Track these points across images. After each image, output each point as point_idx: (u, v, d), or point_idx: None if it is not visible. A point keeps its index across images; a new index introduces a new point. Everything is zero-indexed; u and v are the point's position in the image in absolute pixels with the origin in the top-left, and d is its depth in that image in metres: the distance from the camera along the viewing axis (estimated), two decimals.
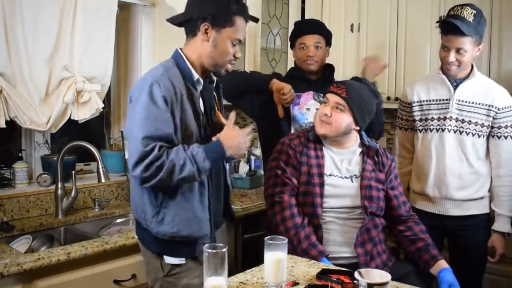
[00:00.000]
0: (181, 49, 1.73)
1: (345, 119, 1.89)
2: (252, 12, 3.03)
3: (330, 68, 2.54)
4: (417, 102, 2.29)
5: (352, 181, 1.94)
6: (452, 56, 2.10)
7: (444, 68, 2.19)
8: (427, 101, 2.26)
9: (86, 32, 2.32)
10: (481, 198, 2.22)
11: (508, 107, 2.16)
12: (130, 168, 1.59)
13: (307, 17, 3.46)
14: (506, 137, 2.16)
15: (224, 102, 1.96)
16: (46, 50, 2.21)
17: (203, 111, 1.70)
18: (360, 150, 1.99)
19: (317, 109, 2.25)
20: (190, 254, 1.70)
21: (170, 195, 1.65)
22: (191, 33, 1.69)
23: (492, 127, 2.17)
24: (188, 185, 1.65)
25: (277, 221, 1.89)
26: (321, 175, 1.91)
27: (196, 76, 1.69)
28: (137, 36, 2.80)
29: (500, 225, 2.19)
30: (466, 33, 2.03)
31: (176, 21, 1.72)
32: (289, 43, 2.61)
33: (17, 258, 1.73)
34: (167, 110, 1.58)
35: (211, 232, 1.71)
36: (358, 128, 1.94)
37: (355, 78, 2.04)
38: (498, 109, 2.15)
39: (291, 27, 3.41)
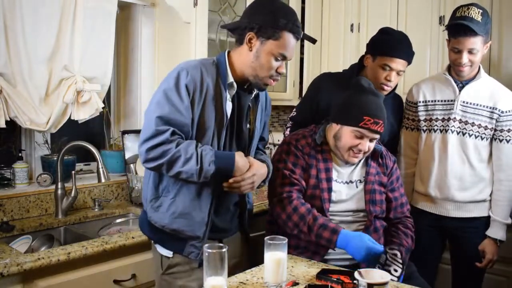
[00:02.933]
0: (229, 51, 1.73)
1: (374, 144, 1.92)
2: None
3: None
4: (423, 102, 2.28)
5: (356, 186, 1.93)
6: (465, 58, 2.08)
7: (456, 70, 2.16)
8: (432, 101, 2.26)
9: (86, 32, 2.32)
10: (483, 200, 2.20)
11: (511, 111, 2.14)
12: (139, 144, 1.60)
13: (307, 17, 3.44)
14: (508, 141, 2.14)
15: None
16: (46, 50, 2.21)
17: (228, 115, 1.68)
18: None
19: None
20: (178, 250, 1.70)
21: (173, 186, 1.66)
22: (238, 40, 1.69)
23: (495, 130, 2.16)
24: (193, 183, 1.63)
25: (288, 213, 1.83)
26: (329, 179, 1.89)
27: (230, 79, 1.68)
28: (137, 36, 2.81)
29: (493, 231, 2.17)
30: (478, 32, 2.02)
31: (227, 27, 1.74)
32: (365, 45, 2.32)
33: (17, 258, 1.73)
34: (187, 99, 1.59)
35: (204, 235, 1.68)
36: None
37: (358, 82, 1.92)
38: (502, 111, 2.13)
39: None
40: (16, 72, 2.13)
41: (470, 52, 2.07)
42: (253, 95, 1.78)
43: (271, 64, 1.65)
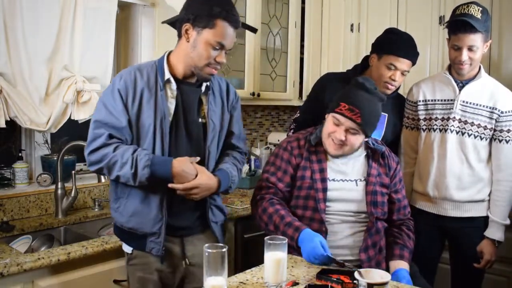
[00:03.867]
0: (172, 51, 1.76)
1: (359, 139, 1.86)
2: (252, 12, 3.08)
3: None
4: (422, 101, 2.28)
5: (356, 184, 1.90)
6: (465, 55, 2.08)
7: (456, 68, 2.16)
8: (432, 100, 2.25)
9: (86, 32, 2.32)
10: (482, 200, 2.20)
11: (511, 111, 2.14)
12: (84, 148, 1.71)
13: (307, 17, 3.45)
14: (507, 141, 2.14)
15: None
16: (46, 50, 2.22)
17: (171, 113, 1.70)
18: (365, 153, 1.95)
19: None
20: (138, 247, 1.74)
21: (126, 188, 1.71)
22: (178, 35, 1.73)
23: (495, 130, 2.15)
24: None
25: (259, 214, 1.87)
26: (324, 180, 1.88)
27: (167, 76, 1.71)
28: (137, 36, 2.80)
29: (491, 232, 2.16)
30: (478, 29, 2.02)
31: (168, 21, 1.77)
32: (370, 45, 2.35)
33: (17, 258, 1.74)
34: (120, 103, 1.66)
35: (160, 231, 1.70)
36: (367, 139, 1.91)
37: (360, 81, 1.88)
38: (501, 112, 2.13)
39: (291, 27, 3.42)
40: (16, 72, 2.13)
41: (470, 49, 2.07)
42: (203, 89, 1.78)
43: (209, 53, 1.66)
